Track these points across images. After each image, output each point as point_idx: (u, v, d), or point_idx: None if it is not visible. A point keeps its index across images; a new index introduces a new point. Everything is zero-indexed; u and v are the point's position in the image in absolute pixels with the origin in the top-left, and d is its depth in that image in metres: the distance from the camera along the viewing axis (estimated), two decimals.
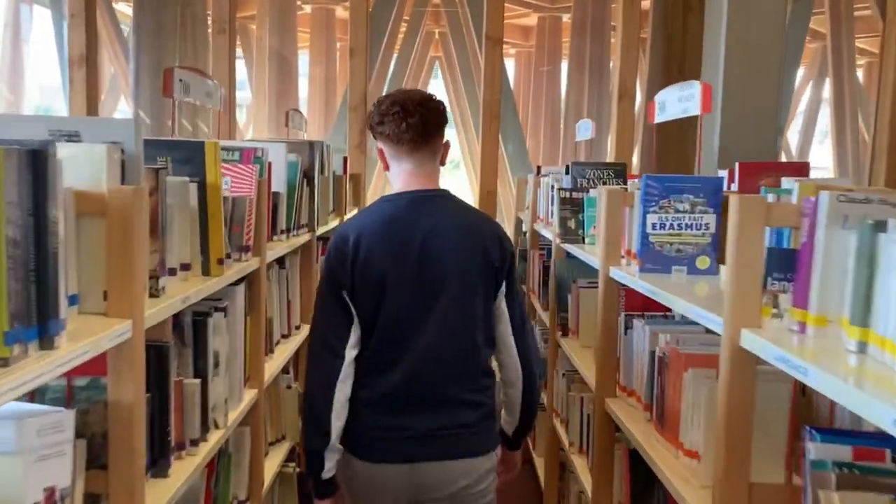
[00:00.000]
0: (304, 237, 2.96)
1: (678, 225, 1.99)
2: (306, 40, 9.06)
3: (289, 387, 2.68)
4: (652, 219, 1.99)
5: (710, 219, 1.99)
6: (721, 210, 1.98)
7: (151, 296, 1.48)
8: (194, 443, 1.71)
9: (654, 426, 1.92)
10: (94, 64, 5.01)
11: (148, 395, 1.50)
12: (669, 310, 2.24)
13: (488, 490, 2.03)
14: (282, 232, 2.63)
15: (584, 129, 4.08)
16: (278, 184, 2.56)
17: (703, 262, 2.00)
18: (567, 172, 3.08)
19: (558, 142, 8.00)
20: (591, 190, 2.86)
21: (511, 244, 2.07)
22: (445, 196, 2.02)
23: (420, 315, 1.93)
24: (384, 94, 2.06)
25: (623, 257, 2.15)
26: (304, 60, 9.04)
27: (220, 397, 1.86)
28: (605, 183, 2.93)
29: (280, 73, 7.85)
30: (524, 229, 4.56)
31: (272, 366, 2.46)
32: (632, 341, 2.13)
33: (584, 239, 2.81)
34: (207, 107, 2.60)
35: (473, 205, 2.39)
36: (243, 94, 8.66)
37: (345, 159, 4.11)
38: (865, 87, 9.46)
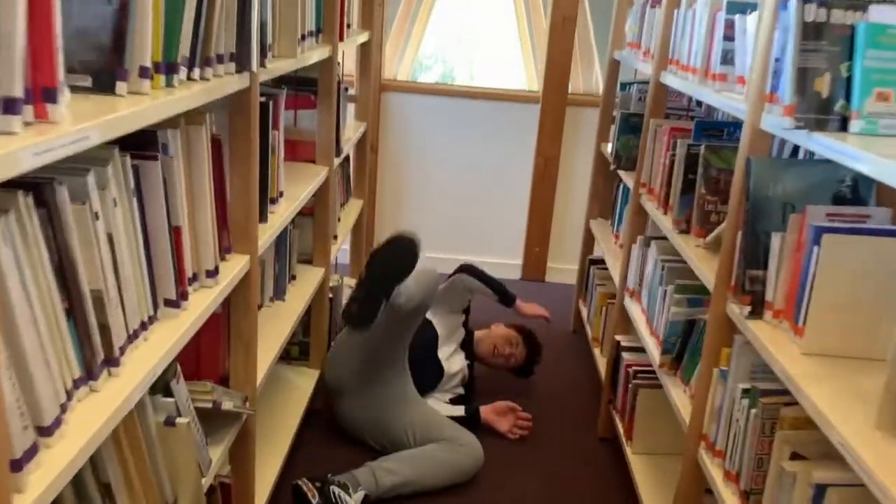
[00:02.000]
0: (227, 82, 1.41)
1: None
2: None
3: (170, 423, 1.22)
4: None
5: None
6: None
7: None
8: None
9: None
10: None
11: None
12: None
13: None
14: (145, 73, 1.09)
15: None
16: None
17: None
18: None
19: None
20: (870, 7, 1.24)
21: None
22: None
23: None
24: None
25: None
26: None
27: None
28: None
29: None
30: (631, 79, 2.90)
31: (113, 398, 1.01)
32: None
33: (845, 121, 1.23)
34: None
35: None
36: None
37: None
38: None
